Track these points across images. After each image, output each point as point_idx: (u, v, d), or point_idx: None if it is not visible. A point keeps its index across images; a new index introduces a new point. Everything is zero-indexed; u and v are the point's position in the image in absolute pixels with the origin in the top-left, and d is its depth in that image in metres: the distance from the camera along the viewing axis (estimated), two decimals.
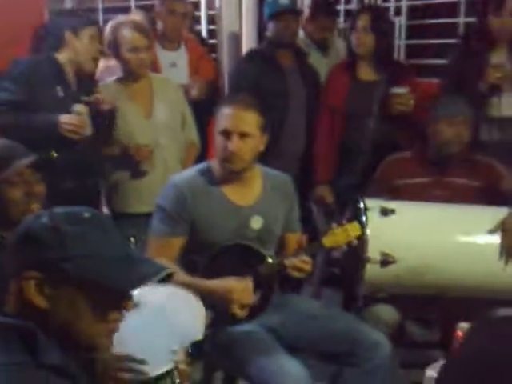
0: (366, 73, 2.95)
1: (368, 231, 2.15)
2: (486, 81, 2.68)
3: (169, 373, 1.43)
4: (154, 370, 1.43)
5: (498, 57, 2.73)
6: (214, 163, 2.10)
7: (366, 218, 2.18)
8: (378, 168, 2.62)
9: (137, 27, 2.69)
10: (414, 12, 4.07)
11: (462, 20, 3.68)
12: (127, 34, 2.68)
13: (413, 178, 2.51)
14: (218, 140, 2.02)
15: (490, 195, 2.42)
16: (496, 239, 2.15)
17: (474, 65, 2.72)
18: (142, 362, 1.41)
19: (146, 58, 2.71)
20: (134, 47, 2.67)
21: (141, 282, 1.08)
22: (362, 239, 2.10)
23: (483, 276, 2.13)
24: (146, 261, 1.14)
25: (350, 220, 2.11)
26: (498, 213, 2.20)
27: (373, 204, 2.23)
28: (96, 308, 1.06)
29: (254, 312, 2.00)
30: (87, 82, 2.71)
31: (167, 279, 1.15)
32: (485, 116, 2.72)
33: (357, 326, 2.04)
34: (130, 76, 2.76)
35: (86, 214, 1.09)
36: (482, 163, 2.49)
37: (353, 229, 2.03)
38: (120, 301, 1.09)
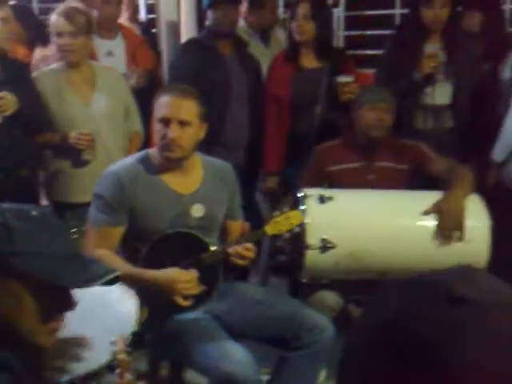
0: (309, 60, 2.98)
1: (307, 218, 2.19)
2: (420, 70, 2.76)
3: (108, 365, 1.42)
4: (94, 362, 1.42)
5: (431, 47, 2.81)
6: (153, 151, 2.09)
7: (305, 206, 2.22)
8: (310, 157, 2.66)
9: (63, 13, 2.68)
10: (351, 3, 4.14)
11: (398, 11, 3.78)
12: (54, 19, 2.69)
13: (344, 164, 2.58)
14: (157, 128, 2.01)
15: (418, 178, 2.52)
16: (429, 221, 2.23)
17: (409, 55, 2.80)
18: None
19: (71, 43, 2.68)
20: (58, 32, 2.68)
21: (87, 283, 1.07)
22: (303, 225, 2.14)
23: (419, 257, 2.21)
24: (94, 262, 1.14)
25: (292, 208, 2.14)
26: (430, 196, 2.29)
27: (311, 192, 2.28)
28: (40, 306, 1.05)
29: (199, 301, 2.00)
30: (11, 64, 2.66)
31: (115, 281, 1.14)
32: (419, 104, 2.81)
33: (301, 310, 2.07)
34: (65, 63, 2.74)
35: (34, 212, 1.08)
36: (409, 147, 2.57)
37: (295, 216, 2.06)
38: (65, 300, 1.08)
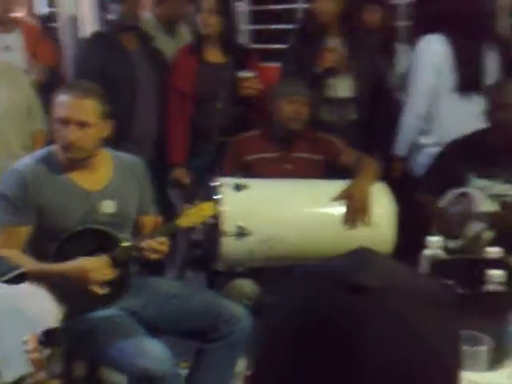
0: (214, 55, 3.00)
1: (223, 206, 2.21)
2: (322, 64, 2.85)
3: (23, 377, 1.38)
4: (10, 373, 1.37)
5: (332, 40, 2.90)
6: (57, 148, 2.03)
7: (221, 195, 2.24)
8: (228, 147, 2.70)
9: None
10: None
11: (300, 6, 3.85)
12: None
13: (262, 154, 2.62)
14: (56, 128, 1.96)
15: (330, 168, 2.61)
16: (338, 207, 2.32)
17: (311, 49, 2.88)
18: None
19: None
20: None
21: None
22: (217, 216, 2.16)
23: (330, 242, 2.28)
24: None
25: (205, 199, 2.15)
26: (339, 184, 2.38)
27: (226, 181, 2.30)
28: None
29: (113, 297, 1.97)
30: None
31: (22, 279, 1.10)
32: (323, 97, 2.89)
33: (217, 301, 2.09)
34: None
35: None
36: (323, 139, 2.67)
37: (207, 208, 2.07)
38: None
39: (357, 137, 2.88)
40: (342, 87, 2.92)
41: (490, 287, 1.66)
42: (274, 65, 3.30)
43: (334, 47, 2.87)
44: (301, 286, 0.59)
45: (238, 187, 2.29)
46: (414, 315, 0.54)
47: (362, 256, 0.59)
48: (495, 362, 1.56)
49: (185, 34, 3.64)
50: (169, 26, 3.48)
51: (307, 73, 2.86)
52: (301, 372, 0.54)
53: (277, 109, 2.61)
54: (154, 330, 1.97)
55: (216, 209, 2.12)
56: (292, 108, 2.58)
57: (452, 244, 2.40)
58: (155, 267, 2.43)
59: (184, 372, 2.12)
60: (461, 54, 2.72)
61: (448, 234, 2.42)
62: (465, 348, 1.54)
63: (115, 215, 2.06)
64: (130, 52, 3.01)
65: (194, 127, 3.00)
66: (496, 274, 1.66)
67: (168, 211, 2.58)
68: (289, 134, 2.62)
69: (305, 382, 0.54)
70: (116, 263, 1.96)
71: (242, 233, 2.23)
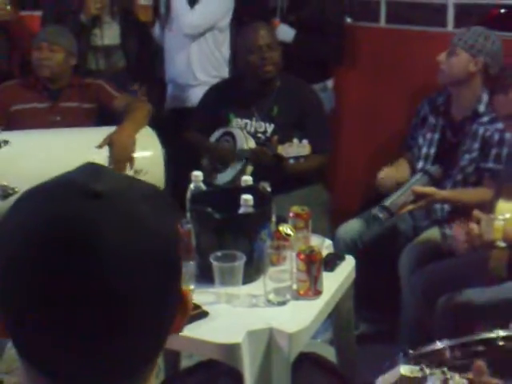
0: None
1: None
2: (86, 12, 2.79)
3: None
4: None
5: None
6: None
7: None
8: None
9: None
10: None
11: None
12: None
13: (28, 104, 2.52)
14: None
15: (102, 115, 2.60)
16: (103, 154, 2.32)
17: None
18: None
19: None
20: None
21: None
22: None
23: None
24: None
25: None
26: (105, 131, 2.38)
27: None
28: None
29: None
30: None
31: None
32: (89, 46, 2.85)
33: None
34: None
35: None
36: (92, 85, 2.63)
37: None
38: None
39: (126, 84, 2.90)
40: (108, 35, 2.90)
41: (243, 210, 1.83)
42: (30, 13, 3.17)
43: None
44: (33, 198, 0.60)
45: None
46: (141, 212, 0.59)
47: (90, 168, 0.63)
48: (249, 275, 1.75)
49: None
50: None
51: (71, 21, 2.78)
52: (45, 280, 0.55)
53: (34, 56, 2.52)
54: None
55: None
56: (39, 54, 2.51)
57: (220, 178, 2.59)
58: None
59: None
60: None
61: (221, 163, 2.60)
62: (223, 265, 1.70)
63: None
64: None
65: None
66: (247, 198, 1.83)
67: None
68: (56, 83, 2.56)
69: (50, 289, 0.55)
70: None
71: (6, 193, 2.12)
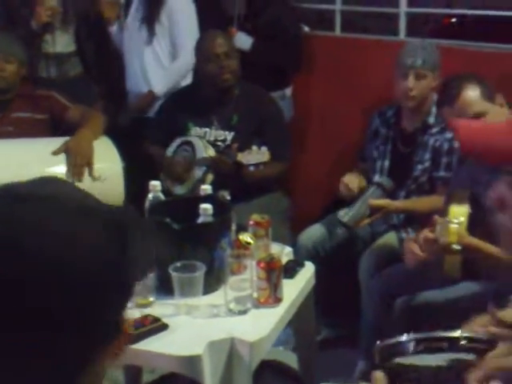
0: None
1: None
2: (37, 19, 2.75)
3: None
4: None
5: None
6: None
7: None
8: None
9: None
10: None
11: None
12: None
13: None
14: None
15: (55, 126, 2.55)
16: (60, 162, 2.28)
17: (24, 3, 2.75)
18: None
19: None
20: None
21: None
22: None
23: None
24: None
25: None
26: (61, 140, 2.34)
27: None
28: None
29: None
30: None
31: None
32: (40, 53, 2.80)
33: None
34: None
35: None
36: (44, 96, 2.58)
37: None
38: None
39: (83, 92, 2.86)
40: (61, 43, 2.86)
41: (202, 219, 1.83)
42: None
43: (48, 2, 2.78)
44: None
45: None
46: (63, 221, 0.60)
47: (43, 178, 0.65)
48: (209, 285, 1.74)
49: None
50: None
51: (22, 29, 2.74)
52: None
53: None
54: None
55: None
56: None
57: (179, 189, 2.58)
58: None
59: None
60: None
61: (176, 180, 2.59)
62: (182, 275, 1.69)
63: None
64: None
65: None
66: (206, 207, 1.83)
67: None
68: (6, 94, 2.50)
69: None
70: None
71: None
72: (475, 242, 1.73)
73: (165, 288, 1.72)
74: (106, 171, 2.38)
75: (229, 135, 2.63)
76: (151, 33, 2.90)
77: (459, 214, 1.73)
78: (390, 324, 2.04)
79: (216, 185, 2.20)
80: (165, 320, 1.61)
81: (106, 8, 3.05)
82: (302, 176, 3.29)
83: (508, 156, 0.75)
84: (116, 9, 3.09)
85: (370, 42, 3.19)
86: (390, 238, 2.40)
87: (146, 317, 1.62)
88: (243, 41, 3.00)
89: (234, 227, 1.93)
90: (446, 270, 1.83)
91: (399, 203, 2.35)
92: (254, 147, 2.40)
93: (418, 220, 2.31)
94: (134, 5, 2.99)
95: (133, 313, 1.60)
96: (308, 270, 1.96)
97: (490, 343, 1.01)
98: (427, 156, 2.40)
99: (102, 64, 2.95)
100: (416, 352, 1.06)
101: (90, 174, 2.28)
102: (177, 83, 2.91)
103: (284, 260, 1.89)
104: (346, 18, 3.29)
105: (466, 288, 1.95)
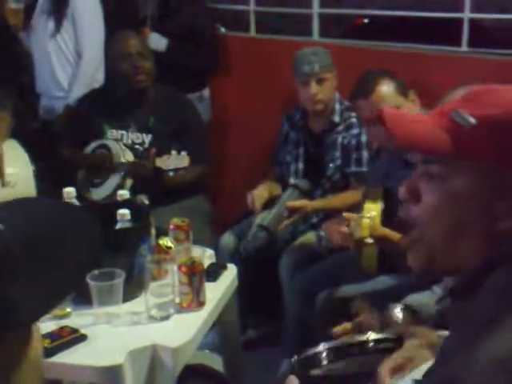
0: None
1: None
2: None
3: None
4: None
5: None
6: None
7: None
8: None
9: None
10: None
11: None
12: None
13: None
14: None
15: None
16: None
17: None
18: None
19: None
20: None
21: None
22: None
23: None
24: None
25: None
26: None
27: None
28: None
29: None
30: None
31: None
32: None
33: None
34: None
35: None
36: None
37: None
38: None
39: None
40: None
41: (120, 225, 1.78)
42: None
43: None
44: None
45: None
46: None
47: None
48: (129, 292, 1.70)
49: None
50: None
51: None
52: None
53: None
54: None
55: None
56: None
57: (95, 194, 2.51)
58: None
59: None
60: None
61: (97, 176, 2.52)
62: (100, 284, 1.64)
63: None
64: None
65: None
66: (124, 212, 1.79)
67: None
68: None
69: None
70: None
71: None
72: (387, 232, 1.80)
73: (83, 297, 1.66)
74: (15, 176, 2.28)
75: (146, 138, 2.58)
76: (58, 25, 2.82)
77: (372, 209, 1.79)
78: (312, 319, 2.08)
79: (135, 190, 2.16)
80: (83, 330, 1.56)
81: (11, 16, 2.95)
82: (222, 178, 3.28)
83: (430, 146, 0.77)
84: (20, 16, 2.99)
85: (283, 43, 3.23)
86: (309, 236, 2.44)
87: (63, 328, 1.56)
88: (158, 42, 2.96)
89: (153, 232, 1.90)
90: (363, 264, 1.88)
91: (316, 203, 2.40)
92: (174, 152, 2.37)
93: (336, 217, 2.37)
94: (39, 5, 2.90)
95: (49, 325, 1.54)
96: (230, 272, 1.96)
97: (397, 341, 1.05)
98: (337, 154, 2.47)
99: (12, 66, 2.83)
100: (330, 361, 1.08)
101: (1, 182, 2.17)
102: (89, 84, 2.83)
103: (206, 263, 1.88)
104: (260, 19, 3.32)
105: (382, 282, 2.01)
